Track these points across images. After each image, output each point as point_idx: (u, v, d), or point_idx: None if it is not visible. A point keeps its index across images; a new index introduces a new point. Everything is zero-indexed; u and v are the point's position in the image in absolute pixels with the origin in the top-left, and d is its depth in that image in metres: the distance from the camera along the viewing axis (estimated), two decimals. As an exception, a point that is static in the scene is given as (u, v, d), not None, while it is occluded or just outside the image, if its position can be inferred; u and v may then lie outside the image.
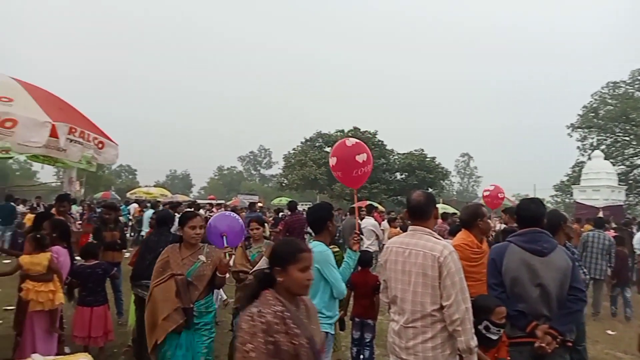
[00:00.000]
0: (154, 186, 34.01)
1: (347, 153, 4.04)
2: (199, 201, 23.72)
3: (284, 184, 40.40)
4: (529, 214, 3.39)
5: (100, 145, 3.28)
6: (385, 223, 11.68)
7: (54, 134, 2.78)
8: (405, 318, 2.85)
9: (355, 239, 3.74)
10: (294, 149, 42.17)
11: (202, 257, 3.74)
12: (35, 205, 13.77)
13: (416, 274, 2.80)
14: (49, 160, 5.78)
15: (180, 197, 26.22)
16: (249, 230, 5.22)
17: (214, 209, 17.74)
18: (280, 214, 16.91)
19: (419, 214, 2.97)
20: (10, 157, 6.38)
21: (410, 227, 3.05)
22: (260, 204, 19.29)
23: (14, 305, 4.99)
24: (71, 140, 2.99)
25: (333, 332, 3.65)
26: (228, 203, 26.02)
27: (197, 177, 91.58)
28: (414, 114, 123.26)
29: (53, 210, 6.81)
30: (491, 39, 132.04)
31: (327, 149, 41.43)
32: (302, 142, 42.45)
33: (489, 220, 4.33)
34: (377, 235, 10.03)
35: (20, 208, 14.78)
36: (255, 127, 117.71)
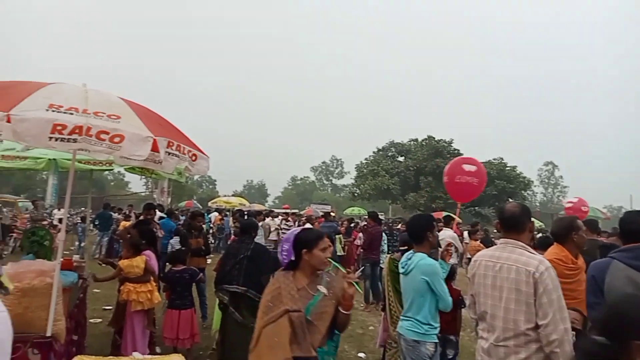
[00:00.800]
0: (233, 195, 35.51)
1: (457, 160, 4.07)
2: (275, 210, 24.40)
3: (356, 194, 40.35)
4: (635, 228, 3.09)
5: (194, 158, 3.49)
6: (466, 235, 11.25)
7: (155, 147, 3.00)
8: (495, 336, 2.71)
9: (449, 250, 3.73)
10: (366, 159, 42.09)
11: (322, 289, 2.82)
12: (128, 213, 14.92)
13: (508, 290, 2.66)
14: (144, 172, 6.28)
15: (257, 206, 27.13)
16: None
17: (289, 218, 18.15)
18: (352, 223, 16.89)
19: (513, 225, 2.83)
20: (111, 169, 7.02)
21: (501, 240, 2.91)
22: (333, 214, 19.43)
23: (112, 305, 5.42)
24: (169, 153, 3.21)
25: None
26: (302, 212, 26.47)
27: (272, 187, 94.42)
28: (493, 121, 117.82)
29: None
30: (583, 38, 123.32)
31: (400, 159, 40.86)
32: (374, 152, 42.27)
33: (584, 234, 4.02)
34: (455, 247, 9.68)
35: (116, 215, 16.09)
36: (327, 138, 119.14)
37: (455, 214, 10.13)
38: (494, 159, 36.37)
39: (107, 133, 2.85)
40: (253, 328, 5.05)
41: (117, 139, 2.86)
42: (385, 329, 5.07)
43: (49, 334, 3.36)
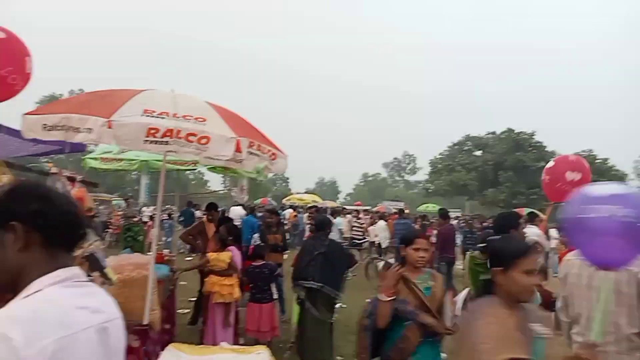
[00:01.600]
0: (305, 193, 36.16)
1: (562, 163, 4.00)
2: (347, 207, 24.49)
3: (430, 190, 39.42)
4: None
5: (273, 157, 3.61)
6: (553, 232, 10.57)
7: (238, 148, 3.14)
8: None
9: (538, 250, 3.54)
10: (440, 154, 40.93)
11: (541, 328, 1.99)
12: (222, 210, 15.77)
13: (607, 291, 2.47)
14: (225, 171, 6.59)
15: (329, 203, 27.40)
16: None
17: (360, 215, 18.13)
18: (426, 220, 16.49)
19: None
20: (194, 169, 7.45)
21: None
22: (407, 211, 19.10)
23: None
24: (250, 153, 3.34)
25: None
26: (374, 209, 26.33)
27: (343, 184, 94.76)
28: (581, 110, 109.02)
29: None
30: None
31: (477, 153, 39.21)
32: (449, 146, 40.98)
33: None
34: (542, 246, 9.12)
35: (198, 213, 17.05)
36: (398, 133, 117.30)
37: (540, 211, 9.56)
38: (583, 151, 33.84)
39: (195, 135, 3.03)
40: (330, 324, 5.15)
41: (204, 141, 3.03)
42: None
43: (146, 322, 3.64)
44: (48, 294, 1.09)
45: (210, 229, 6.32)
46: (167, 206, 17.19)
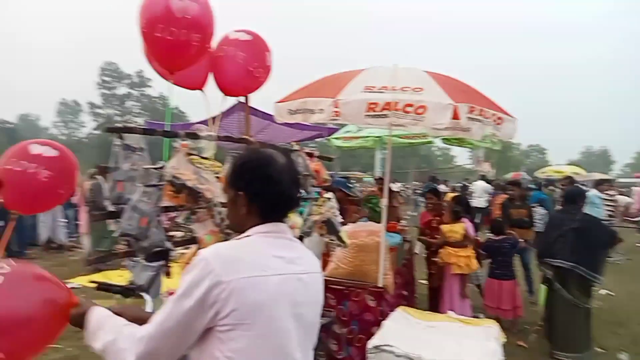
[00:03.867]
0: (566, 165, 31.74)
1: None
2: (620, 180, 20.37)
3: None
4: None
5: (498, 122, 3.35)
6: None
7: (455, 115, 3.04)
8: None
9: None
10: None
11: None
12: (456, 185, 15.67)
13: None
14: (461, 142, 6.42)
15: (597, 175, 23.35)
16: None
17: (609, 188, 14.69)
18: None
19: None
20: (429, 142, 7.50)
21: None
22: None
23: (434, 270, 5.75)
24: (471, 119, 3.19)
25: None
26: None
27: (619, 153, 79.17)
28: None
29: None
30: None
31: None
32: None
33: None
34: None
35: (442, 188, 17.14)
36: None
37: None
38: None
39: (412, 105, 3.08)
40: (586, 309, 4.49)
41: (420, 110, 3.06)
42: None
43: (380, 284, 3.94)
44: (252, 240, 1.35)
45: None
46: (413, 182, 17.83)
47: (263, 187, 1.36)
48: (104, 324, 1.34)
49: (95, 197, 6.68)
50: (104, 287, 2.05)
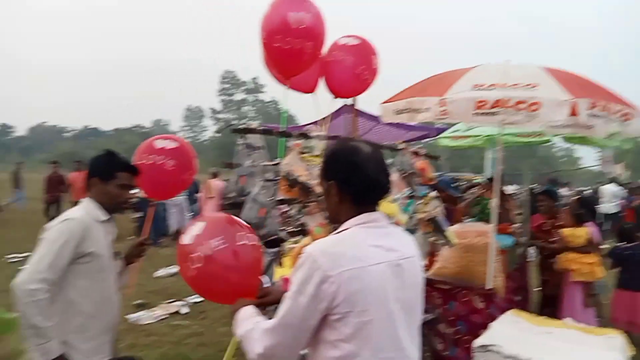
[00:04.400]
0: None
1: None
2: None
3: None
4: None
5: (625, 117, 3.07)
6: None
7: (574, 112, 2.87)
8: None
9: None
10: None
11: None
12: (584, 189, 14.34)
13: None
14: (581, 140, 5.91)
15: None
16: None
17: None
18: None
19: None
20: (547, 141, 6.98)
21: None
22: None
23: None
24: (593, 116, 2.97)
25: None
26: None
27: None
28: None
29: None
30: None
31: None
32: None
33: None
34: None
35: (563, 191, 15.69)
36: None
37: None
38: None
39: (524, 102, 2.96)
40: None
41: (534, 107, 2.94)
42: None
43: (489, 286, 3.83)
44: (350, 233, 1.46)
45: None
46: (534, 185, 16.57)
47: (349, 174, 1.46)
48: (248, 316, 1.57)
49: (226, 191, 7.37)
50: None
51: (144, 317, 5.28)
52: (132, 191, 2.48)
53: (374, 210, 1.51)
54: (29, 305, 1.90)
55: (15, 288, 1.94)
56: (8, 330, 1.31)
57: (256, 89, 69.17)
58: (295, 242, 3.18)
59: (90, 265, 2.11)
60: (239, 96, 69.68)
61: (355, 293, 1.33)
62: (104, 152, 2.36)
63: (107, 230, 2.27)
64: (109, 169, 2.26)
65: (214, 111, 69.89)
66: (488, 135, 6.17)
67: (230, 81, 68.92)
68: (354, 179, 1.47)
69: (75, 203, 3.05)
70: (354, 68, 3.09)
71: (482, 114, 3.09)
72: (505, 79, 3.22)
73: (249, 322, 1.52)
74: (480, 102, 3.08)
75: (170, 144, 2.90)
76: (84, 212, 2.18)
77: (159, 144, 2.90)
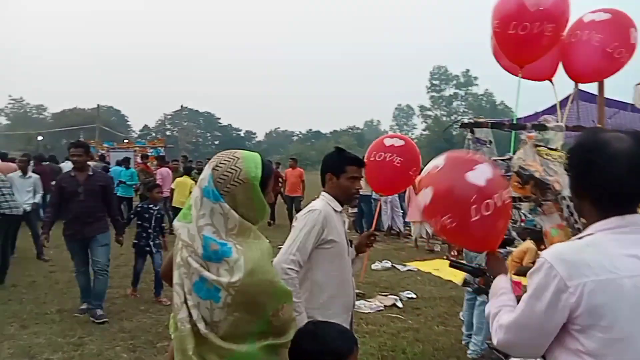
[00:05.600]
0: None
1: None
2: None
3: None
4: None
5: None
6: None
7: None
8: None
9: None
10: None
11: None
12: None
13: None
14: None
15: None
16: None
17: None
18: None
19: None
20: None
21: None
22: None
23: None
24: None
25: None
26: None
27: None
28: None
29: None
30: None
31: None
32: None
33: None
34: None
35: None
36: None
37: None
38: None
39: None
40: None
41: None
42: None
43: None
44: (595, 239, 1.24)
45: None
46: None
47: (585, 175, 1.26)
48: (499, 293, 1.53)
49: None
50: (456, 266, 2.31)
51: (363, 306, 5.55)
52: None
53: (629, 212, 1.25)
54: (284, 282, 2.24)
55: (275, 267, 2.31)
56: (288, 300, 1.60)
57: (467, 82, 66.46)
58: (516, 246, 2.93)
59: (331, 250, 2.36)
60: (449, 91, 68.05)
61: (601, 306, 1.15)
62: (334, 150, 2.61)
63: (341, 219, 2.51)
64: (339, 164, 2.49)
65: (423, 108, 69.82)
66: None
67: (440, 77, 67.81)
68: (592, 182, 1.26)
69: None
70: (604, 46, 2.64)
71: None
72: None
73: (497, 303, 1.48)
74: None
75: (397, 142, 3.07)
76: (324, 203, 2.46)
77: (388, 142, 3.10)
